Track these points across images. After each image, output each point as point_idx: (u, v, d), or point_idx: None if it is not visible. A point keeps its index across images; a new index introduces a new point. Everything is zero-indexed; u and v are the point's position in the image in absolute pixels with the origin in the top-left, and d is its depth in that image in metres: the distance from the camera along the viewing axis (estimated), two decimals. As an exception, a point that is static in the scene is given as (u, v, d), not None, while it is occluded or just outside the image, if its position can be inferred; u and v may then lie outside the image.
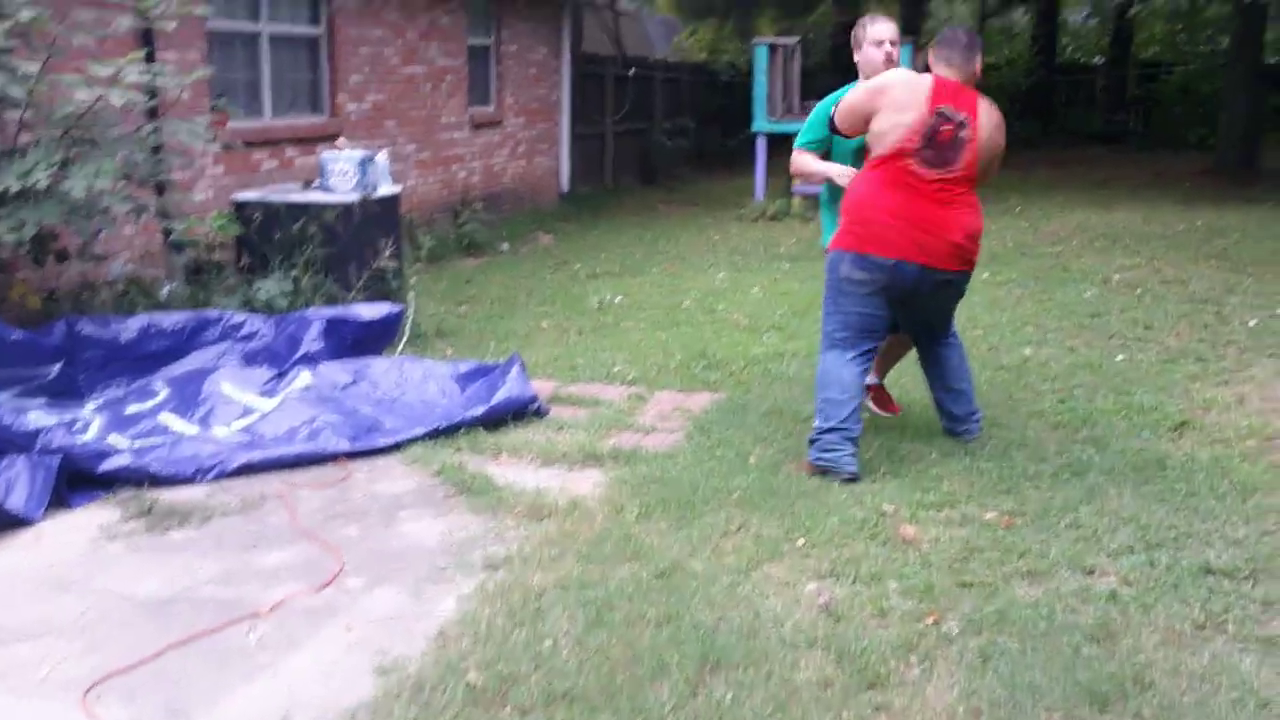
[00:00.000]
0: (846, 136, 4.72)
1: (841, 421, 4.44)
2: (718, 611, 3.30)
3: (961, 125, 4.37)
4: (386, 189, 6.98)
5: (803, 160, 5.06)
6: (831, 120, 4.72)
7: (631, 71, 15.52)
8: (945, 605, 3.35)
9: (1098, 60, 24.44)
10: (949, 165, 4.39)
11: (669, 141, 16.96)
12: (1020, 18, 24.43)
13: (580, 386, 5.86)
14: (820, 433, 4.47)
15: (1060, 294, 8.16)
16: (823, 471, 4.44)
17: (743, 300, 8.21)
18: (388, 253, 6.67)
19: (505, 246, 10.80)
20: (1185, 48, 22.68)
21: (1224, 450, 4.77)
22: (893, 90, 4.43)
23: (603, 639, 3.13)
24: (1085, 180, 15.90)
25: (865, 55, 4.90)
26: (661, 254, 10.64)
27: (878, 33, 4.87)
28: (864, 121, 4.51)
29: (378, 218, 6.80)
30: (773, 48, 13.27)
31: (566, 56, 13.20)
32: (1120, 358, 6.33)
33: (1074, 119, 22.76)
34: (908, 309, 4.70)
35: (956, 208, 4.44)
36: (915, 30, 22.31)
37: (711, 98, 19.58)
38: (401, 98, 9.94)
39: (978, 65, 4.54)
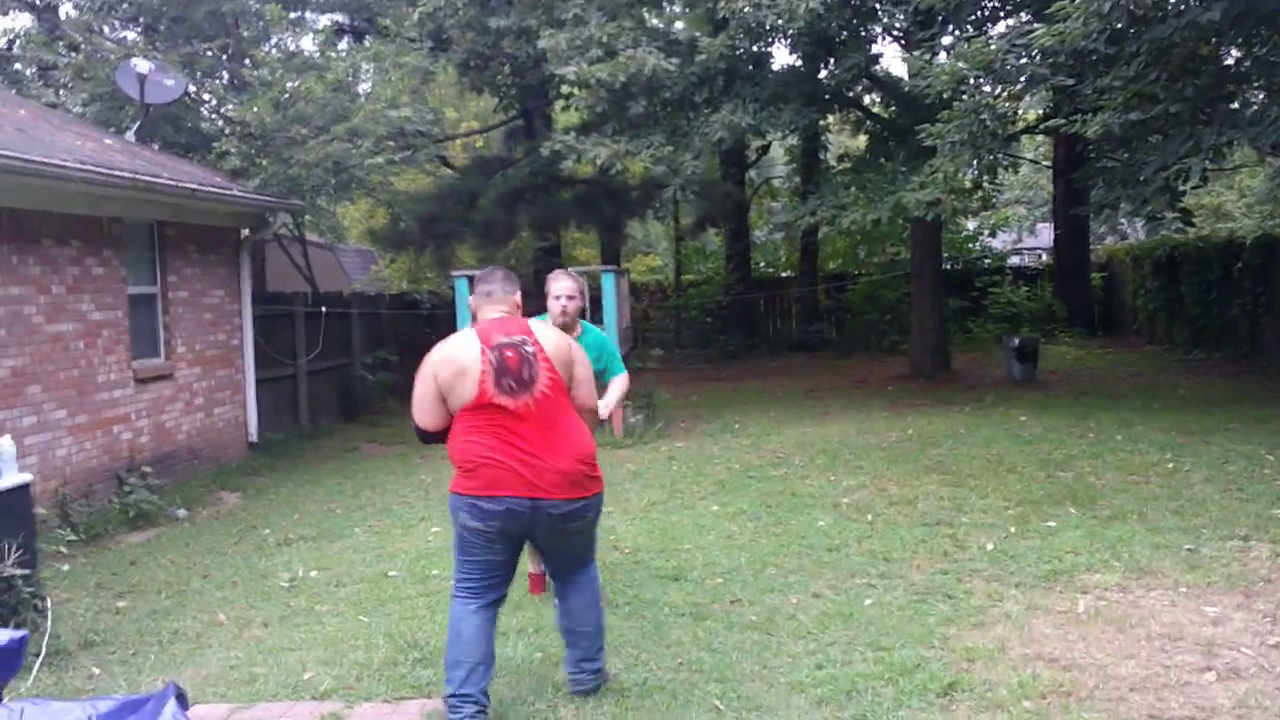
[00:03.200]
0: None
1: (460, 687, 4.34)
2: None
3: (523, 343, 4.38)
4: (10, 480, 5.71)
5: None
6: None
7: (321, 308, 14.65)
8: None
9: (788, 274, 25.72)
10: (532, 384, 4.35)
11: (371, 376, 16.06)
12: (713, 237, 25.47)
13: (260, 710, 4.73)
14: (446, 697, 4.40)
15: (795, 523, 7.73)
16: None
17: (457, 561, 7.28)
18: (12, 559, 5.36)
19: (182, 513, 9.45)
20: (865, 259, 24.22)
21: (1003, 719, 4.25)
22: (441, 362, 4.40)
23: None
24: (794, 390, 16.15)
25: (548, 307, 5.89)
26: (366, 507, 9.59)
27: (554, 289, 5.87)
28: (444, 403, 4.41)
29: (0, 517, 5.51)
30: (472, 279, 12.79)
31: (247, 297, 12.18)
32: (868, 601, 5.84)
33: (774, 330, 23.63)
34: (544, 548, 4.64)
35: (559, 430, 4.37)
36: (615, 254, 22.75)
37: (415, 327, 18.90)
38: (47, 359, 8.63)
39: (518, 297, 4.64)
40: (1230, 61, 11.12)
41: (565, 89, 16.53)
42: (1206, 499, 7.69)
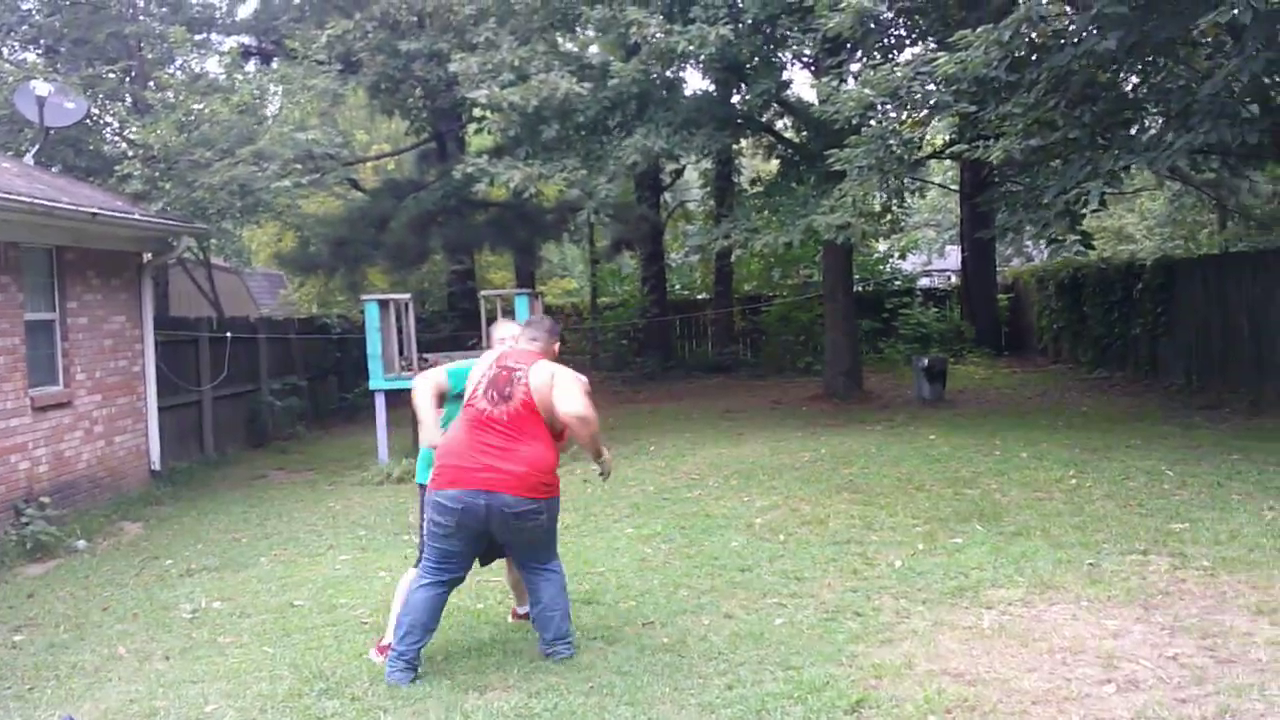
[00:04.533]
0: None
1: (399, 643, 5.17)
2: None
3: (516, 370, 5.26)
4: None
5: (425, 400, 5.53)
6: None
7: (226, 334, 14.35)
8: None
9: (703, 296, 25.88)
10: (509, 400, 5.18)
11: (279, 402, 15.77)
12: (629, 260, 25.55)
13: (155, 747, 4.58)
14: (383, 644, 5.48)
15: (708, 545, 7.74)
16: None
17: (368, 590, 7.16)
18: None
19: (81, 544, 9.16)
20: (779, 281, 24.47)
21: (910, 734, 4.29)
22: (479, 363, 5.50)
23: None
24: (710, 411, 16.21)
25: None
26: (272, 535, 9.40)
27: (498, 333, 5.87)
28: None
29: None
30: (383, 303, 12.66)
31: (149, 323, 11.88)
32: (779, 621, 5.86)
33: (690, 352, 23.74)
34: (504, 541, 5.33)
35: (524, 442, 5.15)
36: (530, 277, 22.68)
37: (325, 352, 18.64)
38: (-60, 385, 8.33)
39: (556, 346, 5.55)
40: (1129, 88, 11.48)
41: (477, 112, 16.47)
42: (1108, 514, 7.87)
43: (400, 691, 5.05)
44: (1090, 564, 6.61)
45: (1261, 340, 13.32)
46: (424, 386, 5.55)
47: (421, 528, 5.45)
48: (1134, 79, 11.26)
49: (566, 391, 5.18)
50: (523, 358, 5.33)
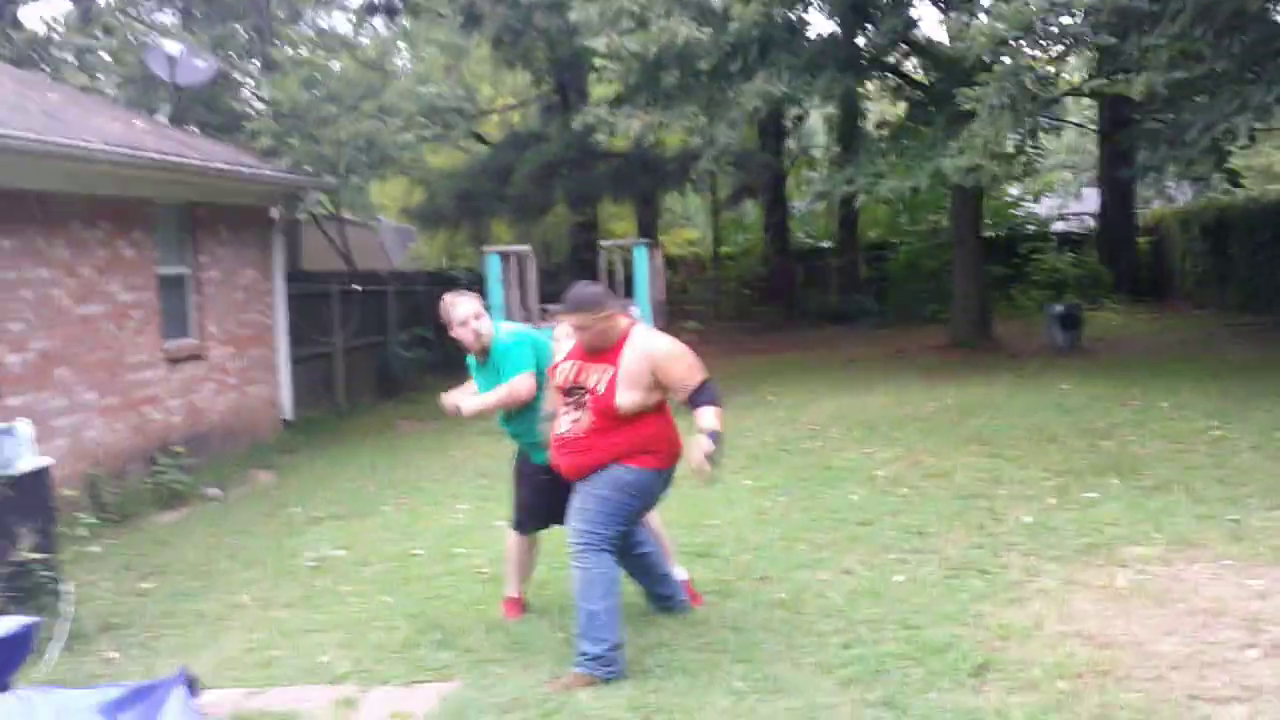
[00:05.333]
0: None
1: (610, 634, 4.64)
2: None
3: None
4: (29, 463, 5.70)
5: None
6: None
7: (355, 287, 14.62)
8: None
9: (827, 244, 25.40)
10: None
11: (407, 353, 16.03)
12: (751, 208, 25.22)
13: (274, 694, 4.68)
14: (605, 650, 4.60)
15: (828, 497, 7.58)
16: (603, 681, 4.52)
17: (485, 540, 7.19)
18: (27, 544, 5.35)
19: (214, 491, 9.47)
20: (906, 227, 23.85)
21: (1035, 700, 4.09)
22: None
23: None
24: (832, 361, 15.94)
25: (457, 334, 5.30)
26: (397, 484, 9.55)
27: (459, 315, 5.23)
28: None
29: (17, 501, 5.48)
30: (504, 256, 12.71)
31: (280, 277, 12.16)
32: (900, 578, 5.69)
33: (813, 301, 23.35)
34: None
35: None
36: (651, 227, 22.58)
37: (453, 304, 18.86)
38: (77, 341, 8.66)
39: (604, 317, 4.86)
40: (1278, 17, 10.73)
41: (598, 61, 16.35)
42: (1253, 468, 7.45)
43: (514, 643, 5.05)
44: (1233, 520, 6.25)
45: None
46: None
47: (517, 490, 5.47)
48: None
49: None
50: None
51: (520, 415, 5.32)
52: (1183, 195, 24.63)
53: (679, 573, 5.48)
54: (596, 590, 4.66)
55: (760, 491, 7.94)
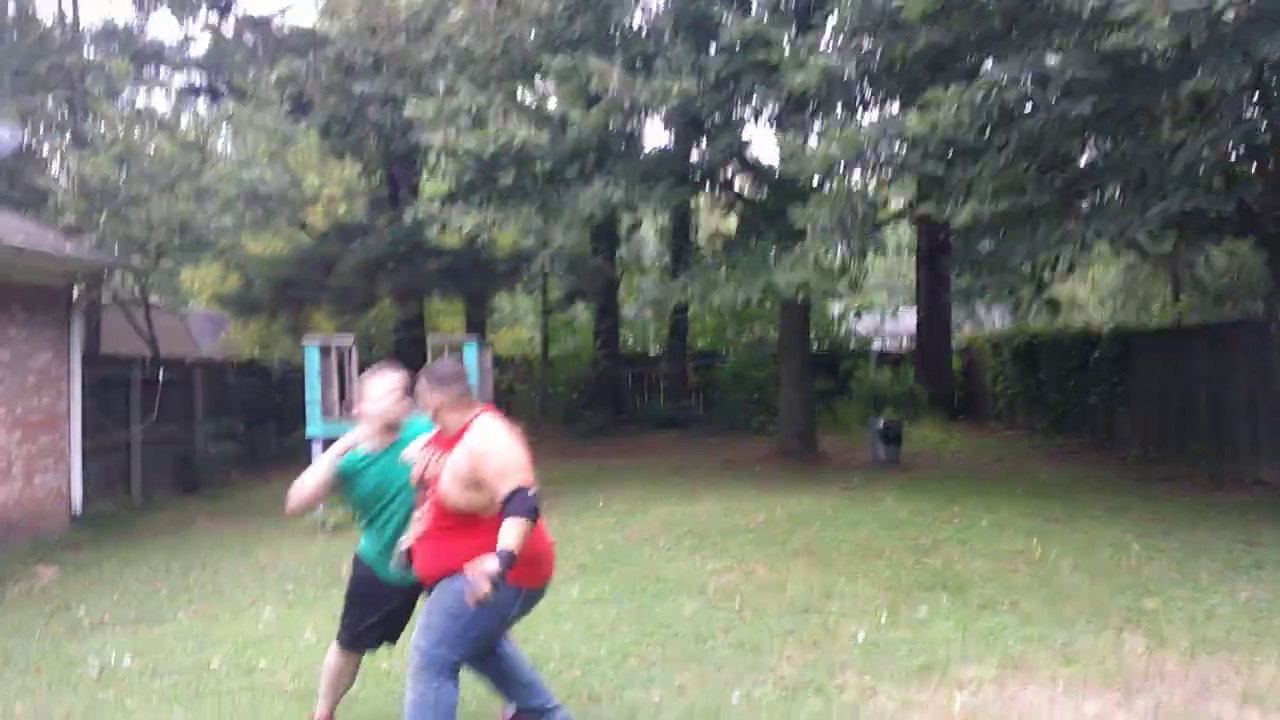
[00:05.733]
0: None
1: None
2: None
3: None
4: None
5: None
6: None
7: (160, 374, 13.75)
8: None
9: (655, 351, 25.52)
10: None
11: (213, 447, 15.13)
12: (582, 312, 25.18)
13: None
14: None
15: (659, 610, 7.31)
16: None
17: (291, 651, 6.64)
18: None
19: (-13, 592, 8.53)
20: (731, 338, 24.19)
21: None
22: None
23: None
24: (661, 467, 15.79)
25: (389, 411, 4.86)
26: (194, 588, 8.81)
27: (388, 384, 4.88)
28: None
29: None
30: (325, 348, 12.16)
31: (77, 360, 11.30)
32: (736, 697, 5.44)
33: (641, 407, 23.32)
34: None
35: None
36: (481, 325, 22.24)
37: (265, 396, 18.03)
38: None
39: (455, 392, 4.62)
40: (1093, 156, 11.36)
41: (432, 158, 16.11)
42: (1076, 588, 7.55)
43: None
44: (1063, 642, 6.26)
45: (1219, 415, 13.18)
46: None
47: (355, 606, 4.99)
48: (1103, 146, 11.11)
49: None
50: None
51: (380, 516, 4.88)
52: (992, 321, 25.85)
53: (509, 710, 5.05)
54: (428, 717, 4.23)
55: (589, 603, 7.61)
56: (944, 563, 8.51)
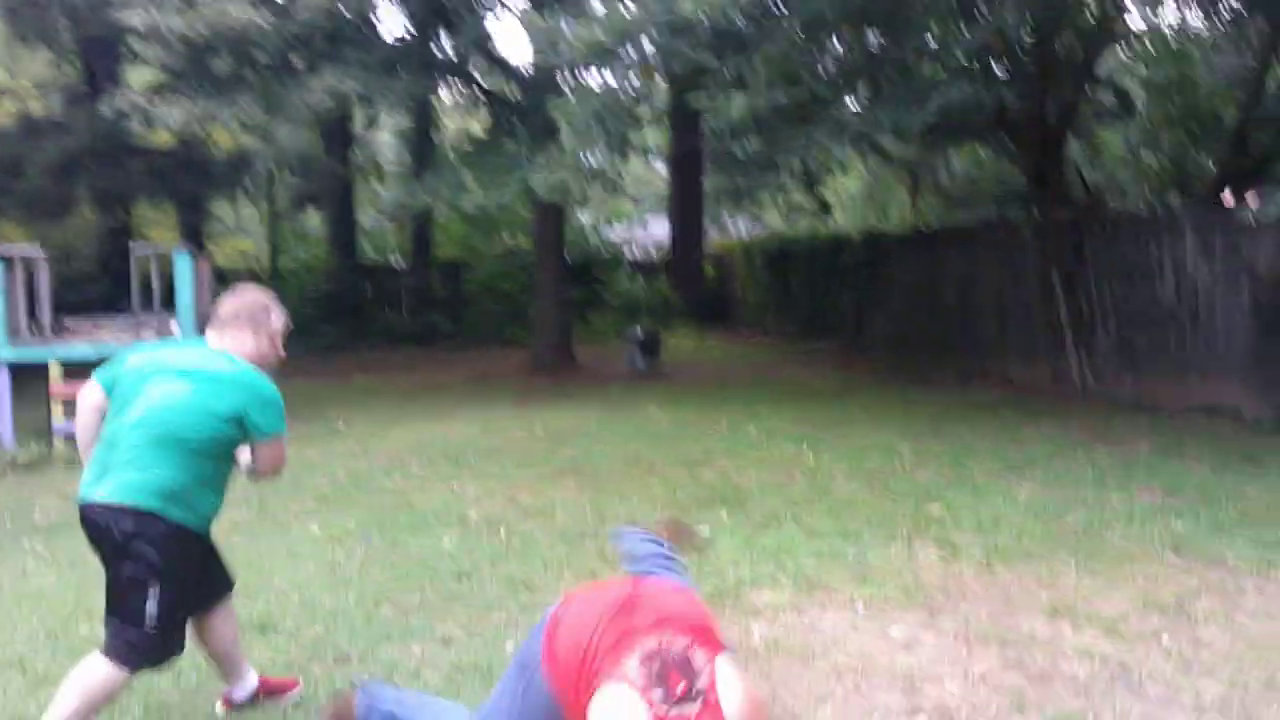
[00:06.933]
0: None
1: None
2: None
3: None
4: None
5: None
6: None
7: None
8: None
9: (397, 261, 24.17)
10: None
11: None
12: (313, 219, 23.47)
13: None
14: None
15: (415, 545, 6.46)
16: None
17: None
18: None
19: None
20: (480, 247, 23.17)
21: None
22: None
23: None
24: (408, 385, 14.79)
25: (261, 349, 3.87)
26: None
27: (284, 326, 3.96)
28: None
29: None
30: (7, 259, 10.39)
31: None
32: (511, 645, 4.70)
33: (384, 320, 22.00)
34: None
35: None
36: (198, 235, 20.27)
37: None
38: None
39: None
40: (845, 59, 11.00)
41: (135, 43, 14.21)
42: (855, 497, 7.22)
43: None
44: (854, 556, 5.85)
45: (968, 316, 13.39)
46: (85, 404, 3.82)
47: (152, 594, 3.55)
48: (866, 43, 10.73)
49: None
50: None
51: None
52: (740, 230, 25.89)
53: (249, 679, 4.14)
54: None
55: (332, 541, 6.66)
56: (718, 475, 8.06)
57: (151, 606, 3.52)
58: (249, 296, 3.94)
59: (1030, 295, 12.15)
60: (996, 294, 12.79)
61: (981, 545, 5.95)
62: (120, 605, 3.57)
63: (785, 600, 5.19)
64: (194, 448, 3.61)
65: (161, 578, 3.53)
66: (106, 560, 3.61)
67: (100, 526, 3.56)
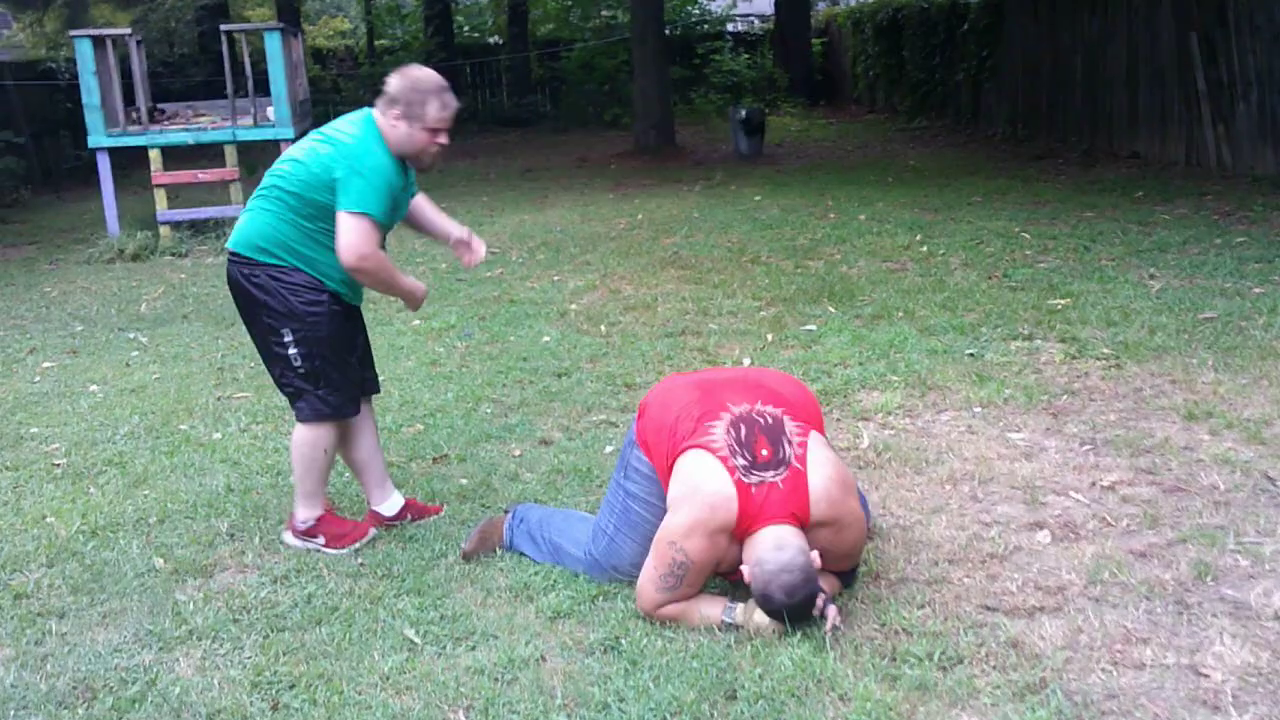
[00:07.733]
0: None
1: None
2: None
3: None
4: None
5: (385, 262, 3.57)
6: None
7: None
8: None
9: (495, 40, 23.46)
10: None
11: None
12: (410, -3, 22.83)
13: None
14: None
15: (514, 340, 6.36)
16: None
17: (69, 415, 5.49)
18: None
19: None
20: (578, 24, 22.31)
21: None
22: None
23: None
24: (508, 170, 14.53)
25: (412, 137, 3.51)
26: (-41, 335, 7.46)
27: (444, 119, 3.54)
28: None
29: None
30: (98, 40, 10.19)
31: None
32: (610, 449, 4.58)
33: (482, 103, 21.54)
34: None
35: None
36: (295, 14, 19.83)
37: (53, 103, 15.83)
38: None
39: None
40: None
41: None
42: (973, 289, 6.84)
43: (100, 585, 3.57)
44: (971, 354, 5.55)
45: (1097, 85, 12.45)
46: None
47: (319, 364, 3.62)
48: None
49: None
50: None
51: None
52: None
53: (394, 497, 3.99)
54: None
55: (433, 334, 6.61)
56: (826, 266, 7.73)
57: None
58: (409, 78, 3.57)
59: (1165, 63, 11.18)
60: (1127, 62, 11.82)
61: (1110, 342, 5.57)
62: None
63: (896, 402, 4.95)
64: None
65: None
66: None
67: None
